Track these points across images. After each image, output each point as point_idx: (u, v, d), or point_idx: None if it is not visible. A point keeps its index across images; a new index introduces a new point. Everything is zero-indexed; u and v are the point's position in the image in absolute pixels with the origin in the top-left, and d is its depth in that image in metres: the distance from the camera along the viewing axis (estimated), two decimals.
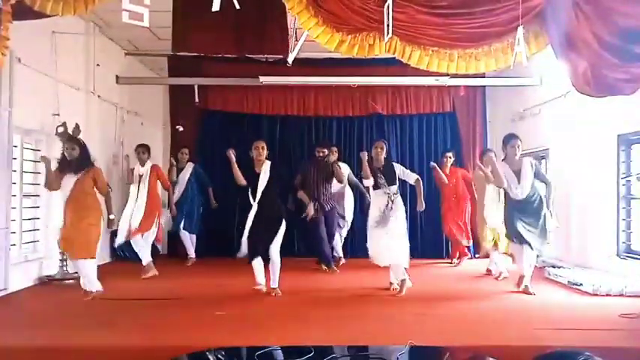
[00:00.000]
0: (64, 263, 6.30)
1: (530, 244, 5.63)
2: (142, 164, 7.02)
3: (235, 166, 5.57)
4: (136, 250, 6.77)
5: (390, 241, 5.67)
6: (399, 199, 5.84)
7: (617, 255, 6.22)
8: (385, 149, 5.93)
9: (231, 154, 5.58)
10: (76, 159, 5.43)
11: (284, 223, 5.65)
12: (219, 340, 3.76)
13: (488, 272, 7.00)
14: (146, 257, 6.74)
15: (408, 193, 8.74)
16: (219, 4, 4.09)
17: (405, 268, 5.76)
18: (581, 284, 5.76)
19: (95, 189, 5.52)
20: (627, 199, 6.24)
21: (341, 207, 7.69)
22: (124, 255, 7.84)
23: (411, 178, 6.02)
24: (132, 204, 6.82)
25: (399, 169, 5.95)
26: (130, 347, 3.78)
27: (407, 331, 4.07)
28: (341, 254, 7.82)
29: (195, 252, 8.05)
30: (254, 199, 5.62)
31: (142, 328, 4.32)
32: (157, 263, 7.31)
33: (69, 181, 5.40)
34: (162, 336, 4.07)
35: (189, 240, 8.00)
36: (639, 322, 4.50)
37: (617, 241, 6.24)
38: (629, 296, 5.41)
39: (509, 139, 5.80)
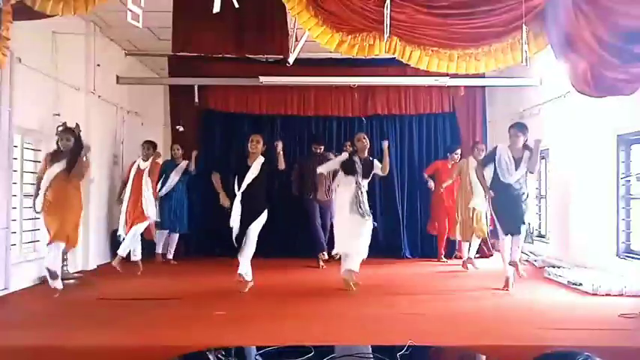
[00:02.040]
0: (65, 263, 6.30)
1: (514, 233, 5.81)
2: (146, 159, 7.04)
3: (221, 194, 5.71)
4: (127, 241, 6.72)
5: (352, 231, 5.81)
6: (364, 194, 5.91)
7: (617, 255, 6.22)
8: (367, 141, 6.06)
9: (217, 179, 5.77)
10: (69, 150, 5.48)
11: (265, 212, 5.68)
12: (219, 340, 3.76)
13: (464, 266, 7.31)
14: (125, 250, 6.71)
15: (405, 194, 8.82)
16: (219, 6, 4.10)
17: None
18: (580, 284, 5.77)
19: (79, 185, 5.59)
20: (627, 199, 6.24)
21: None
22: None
23: (377, 167, 6.07)
24: (128, 197, 6.84)
25: (376, 165, 6.04)
26: (130, 347, 3.78)
27: (407, 331, 4.07)
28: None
29: (194, 251, 8.05)
30: (239, 188, 5.65)
31: (141, 328, 4.32)
32: (154, 263, 7.34)
33: (54, 169, 5.43)
34: (162, 336, 4.07)
35: (165, 238, 7.89)
36: (639, 322, 4.50)
37: (616, 241, 6.24)
38: (629, 296, 5.42)
39: (512, 128, 5.89)
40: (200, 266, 7.61)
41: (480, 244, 7.67)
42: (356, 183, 5.86)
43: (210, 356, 3.40)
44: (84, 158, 5.67)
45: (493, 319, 4.72)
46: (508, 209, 5.79)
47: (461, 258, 7.67)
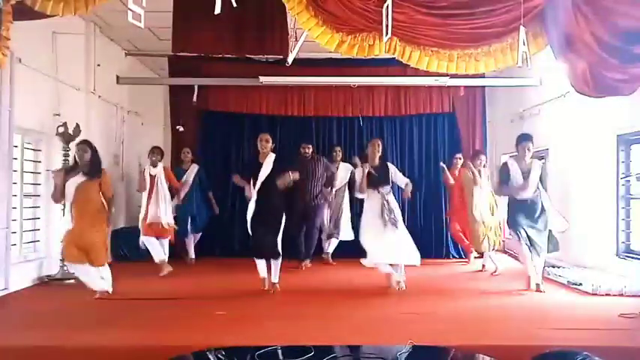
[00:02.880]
0: (65, 263, 6.29)
1: (534, 246, 5.71)
2: (155, 166, 7.01)
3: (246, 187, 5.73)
4: (150, 249, 6.79)
5: (399, 240, 5.70)
6: (392, 198, 5.86)
7: (617, 255, 6.22)
8: (381, 147, 5.93)
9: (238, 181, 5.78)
10: (86, 163, 5.39)
11: (284, 217, 5.72)
12: (219, 340, 3.77)
13: (483, 268, 7.21)
14: (159, 255, 6.79)
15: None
16: (219, 7, 4.10)
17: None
18: (580, 284, 5.77)
19: (100, 193, 5.50)
20: (626, 199, 6.24)
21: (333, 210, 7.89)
22: (124, 255, 7.85)
23: (401, 181, 5.97)
24: (146, 202, 6.86)
25: (392, 170, 5.95)
26: (130, 347, 3.78)
27: (407, 331, 4.08)
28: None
29: (195, 251, 8.10)
30: (254, 187, 5.68)
31: (142, 328, 4.32)
32: (152, 263, 7.35)
33: (73, 183, 5.38)
34: (162, 336, 4.08)
35: (192, 243, 8.01)
36: (639, 321, 4.50)
37: (616, 241, 6.24)
38: (629, 296, 5.42)
39: (521, 140, 5.87)
40: (200, 266, 7.61)
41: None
42: (379, 193, 5.75)
43: (210, 356, 3.39)
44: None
45: (493, 319, 4.72)
46: (525, 217, 5.74)
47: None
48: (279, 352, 3.38)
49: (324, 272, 7.20)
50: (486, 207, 6.94)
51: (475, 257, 7.82)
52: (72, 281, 6.19)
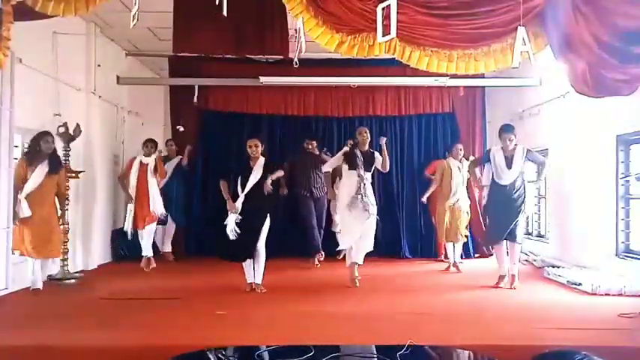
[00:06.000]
0: (65, 263, 6.30)
1: (509, 238, 5.88)
2: (148, 156, 7.13)
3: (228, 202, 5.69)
4: (143, 242, 6.93)
5: (357, 226, 5.97)
6: (369, 186, 6.07)
7: (616, 255, 6.23)
8: (368, 135, 6.21)
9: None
10: (51, 154, 5.63)
11: (268, 218, 5.73)
12: (219, 340, 3.77)
13: (448, 269, 7.33)
14: (148, 250, 6.92)
15: (405, 194, 8.81)
16: (225, 10, 4.12)
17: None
18: (580, 284, 5.78)
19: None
20: (626, 199, 6.24)
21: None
22: (124, 255, 7.86)
23: (378, 160, 6.18)
24: (135, 193, 6.96)
25: (377, 157, 6.18)
26: (130, 347, 3.79)
27: (407, 331, 4.08)
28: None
29: (194, 250, 8.13)
30: (242, 190, 5.68)
31: (142, 328, 4.32)
32: (155, 262, 7.36)
33: (39, 173, 5.55)
34: (162, 336, 4.08)
35: (172, 232, 8.06)
36: (638, 321, 4.51)
37: (616, 241, 6.24)
38: (629, 296, 5.43)
39: (503, 131, 6.05)
40: (200, 266, 7.60)
41: (472, 245, 7.76)
42: (358, 176, 5.98)
43: (211, 356, 3.40)
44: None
45: (493, 319, 4.73)
46: (501, 214, 5.86)
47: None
48: (279, 352, 3.39)
49: (322, 272, 7.20)
50: (456, 197, 7.15)
51: (476, 256, 7.85)
52: (72, 281, 6.21)
